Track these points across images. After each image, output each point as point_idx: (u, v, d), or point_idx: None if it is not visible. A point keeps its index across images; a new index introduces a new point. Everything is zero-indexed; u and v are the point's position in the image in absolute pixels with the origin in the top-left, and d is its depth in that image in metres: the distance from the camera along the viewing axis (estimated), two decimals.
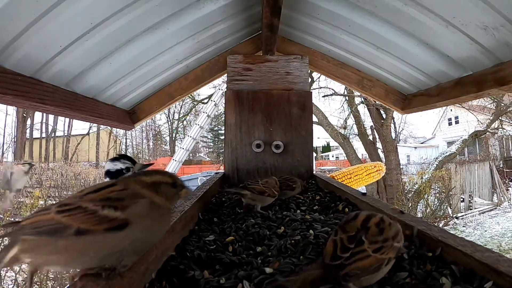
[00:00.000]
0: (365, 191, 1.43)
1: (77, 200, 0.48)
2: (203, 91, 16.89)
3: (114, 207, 0.46)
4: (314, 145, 2.81)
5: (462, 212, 10.45)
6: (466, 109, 12.98)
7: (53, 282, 5.44)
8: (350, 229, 0.60)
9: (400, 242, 0.60)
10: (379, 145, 10.26)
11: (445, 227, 8.73)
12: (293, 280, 0.55)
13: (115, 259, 0.47)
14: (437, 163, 10.63)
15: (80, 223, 0.44)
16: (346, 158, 11.21)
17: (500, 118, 11.87)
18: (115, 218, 0.45)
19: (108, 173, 0.94)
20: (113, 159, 0.96)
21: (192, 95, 13.76)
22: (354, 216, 0.64)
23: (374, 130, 10.16)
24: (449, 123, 22.45)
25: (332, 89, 11.60)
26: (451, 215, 9.88)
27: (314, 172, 2.10)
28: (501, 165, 14.48)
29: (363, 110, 10.77)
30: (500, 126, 12.83)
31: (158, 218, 0.51)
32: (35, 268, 0.47)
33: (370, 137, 10.47)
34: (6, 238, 0.48)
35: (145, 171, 0.59)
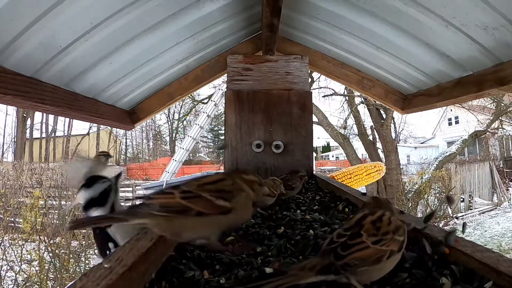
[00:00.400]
0: (365, 191, 1.43)
1: (197, 188, 0.63)
2: (203, 91, 16.91)
3: (225, 198, 0.63)
4: (314, 145, 2.81)
5: (462, 212, 10.45)
6: (466, 109, 12.99)
7: (53, 282, 5.44)
8: (346, 224, 0.62)
9: (402, 236, 0.60)
10: (379, 145, 10.27)
11: (445, 227, 8.73)
12: (291, 267, 0.56)
13: (217, 232, 0.67)
14: (437, 163, 10.64)
15: (200, 208, 0.61)
16: (346, 158, 11.22)
17: (500, 118, 11.88)
18: (225, 206, 0.62)
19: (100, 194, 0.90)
20: (90, 182, 0.92)
21: (192, 95, 13.77)
22: (352, 216, 0.64)
23: (374, 130, 10.17)
24: (449, 123, 22.45)
25: (332, 89, 11.62)
26: (451, 215, 9.88)
27: (314, 172, 2.10)
28: (501, 165, 14.48)
29: (363, 110, 10.78)
30: (500, 126, 12.85)
31: (249, 206, 0.69)
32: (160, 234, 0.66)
33: (370, 137, 10.47)
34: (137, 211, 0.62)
35: (243, 171, 0.74)
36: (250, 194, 0.68)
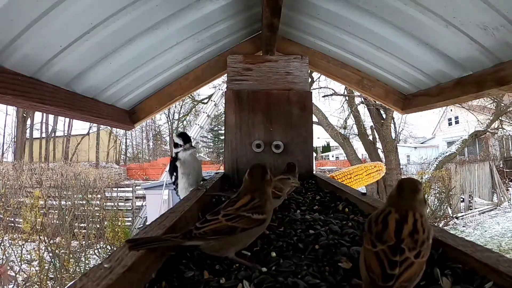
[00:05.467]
0: (365, 191, 1.43)
1: (236, 211, 0.78)
2: (203, 91, 16.95)
3: (259, 212, 0.79)
4: (314, 145, 2.81)
5: (462, 212, 10.45)
6: (466, 109, 12.99)
7: (53, 282, 5.44)
8: (388, 238, 0.56)
9: (431, 238, 0.58)
10: (379, 145, 10.27)
11: (445, 227, 8.73)
12: None
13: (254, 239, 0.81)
14: (437, 163, 10.64)
15: (243, 225, 0.76)
16: (346, 158, 11.22)
17: (500, 118, 11.88)
18: (260, 219, 0.79)
19: (175, 145, 1.46)
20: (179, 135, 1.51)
21: (192, 95, 13.77)
22: (384, 219, 0.59)
23: (374, 130, 10.17)
24: (449, 123, 22.45)
25: (332, 89, 11.62)
26: (451, 215, 9.88)
27: (314, 172, 2.10)
28: (501, 165, 14.47)
29: (363, 110, 10.79)
30: (500, 126, 12.84)
31: (272, 208, 0.86)
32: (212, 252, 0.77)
33: (370, 137, 10.47)
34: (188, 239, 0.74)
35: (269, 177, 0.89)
36: (271, 196, 0.85)
